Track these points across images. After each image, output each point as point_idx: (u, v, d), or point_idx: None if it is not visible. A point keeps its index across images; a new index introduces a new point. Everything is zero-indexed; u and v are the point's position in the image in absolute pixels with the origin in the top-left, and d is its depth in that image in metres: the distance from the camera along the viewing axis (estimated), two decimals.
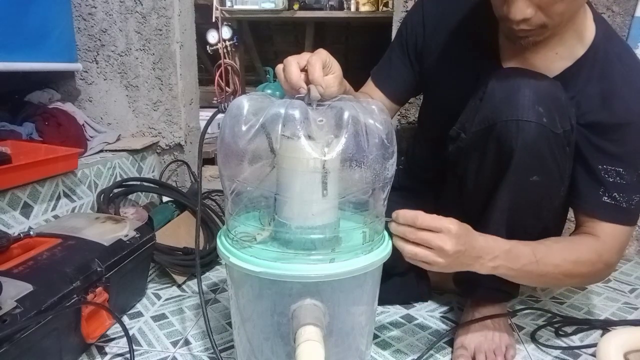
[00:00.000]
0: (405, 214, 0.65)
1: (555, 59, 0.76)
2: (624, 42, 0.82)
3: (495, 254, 0.70)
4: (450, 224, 0.65)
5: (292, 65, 0.62)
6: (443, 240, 0.64)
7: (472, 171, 0.79)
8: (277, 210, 0.63)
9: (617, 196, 0.75)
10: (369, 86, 0.96)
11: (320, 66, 0.62)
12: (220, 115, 0.66)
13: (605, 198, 0.75)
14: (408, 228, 0.65)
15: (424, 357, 0.82)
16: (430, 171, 1.00)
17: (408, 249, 0.66)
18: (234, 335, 0.71)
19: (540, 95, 0.70)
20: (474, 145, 0.77)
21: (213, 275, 1.15)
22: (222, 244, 0.65)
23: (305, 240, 0.62)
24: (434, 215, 0.65)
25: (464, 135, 0.79)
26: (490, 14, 0.75)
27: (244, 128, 0.60)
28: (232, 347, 0.84)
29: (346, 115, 0.60)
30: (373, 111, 0.64)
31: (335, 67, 0.66)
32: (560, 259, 0.73)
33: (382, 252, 0.65)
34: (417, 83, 0.95)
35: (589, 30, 0.75)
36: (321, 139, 0.59)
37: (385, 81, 0.95)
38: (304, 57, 0.63)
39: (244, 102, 0.62)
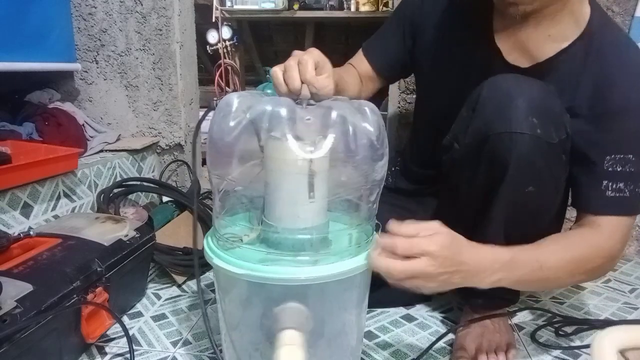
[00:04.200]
0: (384, 243, 0.59)
1: (548, 41, 0.75)
2: (618, 27, 0.80)
3: (495, 267, 0.64)
4: (429, 245, 0.58)
5: (294, 70, 0.62)
6: (425, 264, 0.58)
7: (466, 182, 0.78)
8: (265, 211, 0.63)
9: (622, 186, 0.72)
10: (357, 57, 0.96)
11: (312, 66, 0.62)
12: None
13: (610, 192, 0.72)
14: (387, 261, 0.59)
15: (422, 357, 0.82)
16: (426, 171, 1.00)
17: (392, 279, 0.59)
18: (222, 340, 0.70)
19: (534, 106, 0.69)
20: (467, 157, 0.76)
21: (213, 275, 1.15)
22: (209, 245, 0.64)
23: (293, 242, 0.61)
24: (411, 240, 0.59)
25: (457, 146, 0.78)
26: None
27: (231, 124, 0.59)
28: None
29: (334, 114, 0.59)
30: (364, 112, 0.62)
31: (328, 66, 0.66)
32: (562, 260, 0.70)
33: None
34: (406, 60, 0.94)
35: (584, 13, 0.74)
36: (308, 138, 0.58)
37: (374, 52, 0.95)
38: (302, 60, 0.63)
39: (234, 99, 0.61)
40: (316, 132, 0.59)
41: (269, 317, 0.59)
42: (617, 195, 0.72)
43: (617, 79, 0.72)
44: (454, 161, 0.80)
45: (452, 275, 0.61)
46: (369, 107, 0.64)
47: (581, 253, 0.72)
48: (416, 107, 1.08)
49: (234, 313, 0.64)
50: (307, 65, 0.61)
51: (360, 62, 0.95)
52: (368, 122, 0.61)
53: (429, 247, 0.58)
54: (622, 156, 0.71)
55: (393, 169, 1.08)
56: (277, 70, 0.64)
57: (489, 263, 0.64)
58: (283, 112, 0.57)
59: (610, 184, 0.72)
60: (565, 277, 0.73)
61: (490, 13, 0.81)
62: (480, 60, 0.82)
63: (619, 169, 0.72)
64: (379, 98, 1.04)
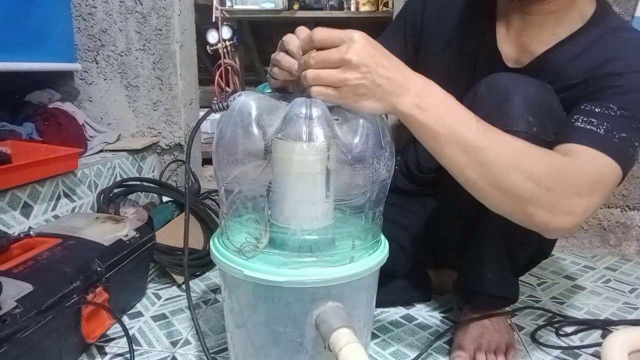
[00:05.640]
0: (303, 39, 0.58)
1: (552, 39, 0.76)
2: (621, 18, 0.80)
3: (428, 91, 0.59)
4: (352, 32, 0.55)
5: (283, 56, 0.63)
6: (342, 50, 0.54)
7: None
8: (276, 214, 0.62)
9: (593, 121, 0.65)
10: None
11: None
12: (219, 116, 0.66)
13: (579, 123, 0.66)
14: (306, 56, 0.56)
15: (421, 357, 0.82)
16: (426, 172, 1.00)
17: (309, 74, 0.56)
18: (228, 339, 0.69)
19: (531, 103, 0.69)
20: None
21: (213, 275, 1.15)
22: (226, 256, 0.61)
23: (301, 243, 0.60)
24: (333, 29, 0.56)
25: None
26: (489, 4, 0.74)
27: (243, 126, 0.60)
28: None
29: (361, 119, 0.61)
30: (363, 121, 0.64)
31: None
32: (511, 143, 0.59)
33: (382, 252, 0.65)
34: (406, 64, 0.94)
35: (589, 10, 0.75)
36: (344, 137, 0.59)
37: None
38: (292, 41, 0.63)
39: (251, 102, 0.62)
40: (348, 132, 0.60)
41: (300, 320, 0.58)
42: (587, 127, 0.65)
43: (616, 53, 0.70)
44: None
45: (375, 70, 0.55)
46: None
47: (538, 152, 0.61)
48: None
49: (252, 316, 0.62)
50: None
51: None
52: (375, 122, 0.62)
53: (351, 34, 0.55)
54: (603, 103, 0.67)
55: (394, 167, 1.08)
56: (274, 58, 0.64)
57: (424, 84, 0.59)
58: (300, 113, 0.57)
59: (581, 117, 0.67)
60: (507, 167, 0.58)
61: (494, 18, 0.81)
62: (482, 65, 0.82)
63: (596, 110, 0.66)
64: None
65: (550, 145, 0.69)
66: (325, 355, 0.55)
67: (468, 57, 0.85)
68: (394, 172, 1.08)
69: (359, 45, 0.55)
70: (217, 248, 0.64)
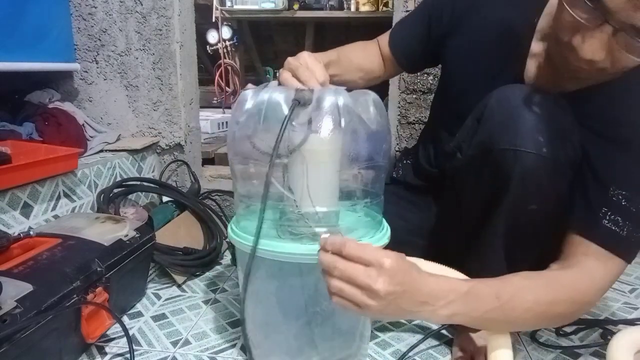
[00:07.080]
0: (333, 240, 0.57)
1: (587, 80, 0.68)
2: None
3: (449, 298, 0.59)
4: (384, 257, 0.55)
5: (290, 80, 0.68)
6: (371, 276, 0.55)
7: (468, 191, 0.76)
8: (301, 203, 0.65)
9: (620, 221, 0.66)
10: (384, 39, 0.97)
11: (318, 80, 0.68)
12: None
13: (606, 221, 0.66)
14: (334, 258, 0.57)
15: (417, 353, 0.82)
16: (435, 170, 0.99)
17: (333, 284, 0.56)
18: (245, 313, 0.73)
19: (542, 122, 0.66)
20: (470, 168, 0.74)
21: (213, 275, 1.15)
22: (274, 244, 0.65)
23: (323, 221, 0.66)
24: (366, 244, 0.58)
25: (460, 155, 0.77)
26: (527, 25, 0.73)
27: (268, 123, 0.65)
28: (232, 347, 0.84)
29: (340, 105, 0.66)
30: (369, 103, 0.68)
31: (316, 65, 0.70)
32: (533, 302, 0.63)
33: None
34: (427, 54, 0.94)
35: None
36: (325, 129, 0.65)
37: (397, 42, 0.95)
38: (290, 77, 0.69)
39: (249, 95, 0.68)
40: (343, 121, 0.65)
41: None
42: (613, 228, 0.66)
43: None
44: (456, 170, 0.79)
45: (400, 297, 0.56)
46: (371, 97, 0.70)
47: (558, 295, 0.65)
48: (435, 104, 1.06)
49: (288, 297, 0.69)
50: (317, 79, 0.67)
51: (385, 45, 0.96)
52: (377, 111, 0.68)
53: (381, 258, 0.55)
54: (628, 193, 0.66)
55: (405, 161, 1.08)
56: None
57: (444, 292, 0.59)
58: (325, 106, 0.63)
59: (609, 213, 0.67)
60: (534, 321, 0.68)
61: (531, 33, 0.75)
62: (504, 79, 0.77)
63: (622, 202, 0.66)
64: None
65: (558, 166, 0.67)
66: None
67: (490, 70, 0.81)
68: (406, 165, 1.09)
69: (388, 275, 0.55)
70: (267, 237, 0.66)
